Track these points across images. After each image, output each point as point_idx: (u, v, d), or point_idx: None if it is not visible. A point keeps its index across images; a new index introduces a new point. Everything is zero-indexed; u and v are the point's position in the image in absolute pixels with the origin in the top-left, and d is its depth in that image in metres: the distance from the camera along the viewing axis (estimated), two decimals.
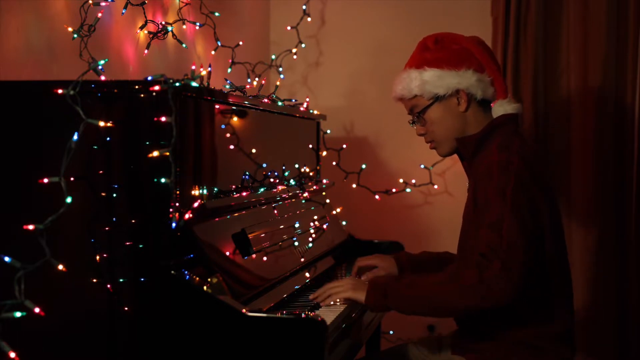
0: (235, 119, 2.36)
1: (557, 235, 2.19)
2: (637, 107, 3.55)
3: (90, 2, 2.32)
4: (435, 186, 3.95)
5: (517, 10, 3.67)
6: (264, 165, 2.56)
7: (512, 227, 2.02)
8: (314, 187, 2.98)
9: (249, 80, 3.36)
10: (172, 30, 2.74)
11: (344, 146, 3.85)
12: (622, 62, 3.61)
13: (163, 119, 1.86)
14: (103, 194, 1.92)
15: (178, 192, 1.93)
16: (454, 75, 2.25)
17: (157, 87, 1.88)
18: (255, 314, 1.86)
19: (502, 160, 2.11)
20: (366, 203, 3.96)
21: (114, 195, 1.91)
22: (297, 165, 2.90)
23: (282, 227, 2.50)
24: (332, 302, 2.20)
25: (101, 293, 1.91)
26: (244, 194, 2.33)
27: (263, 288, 2.19)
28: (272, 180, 2.62)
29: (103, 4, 2.40)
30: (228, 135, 2.31)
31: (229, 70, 3.30)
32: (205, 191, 2.12)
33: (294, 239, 2.54)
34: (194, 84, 2.00)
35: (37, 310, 1.71)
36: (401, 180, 3.97)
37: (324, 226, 2.88)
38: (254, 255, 2.21)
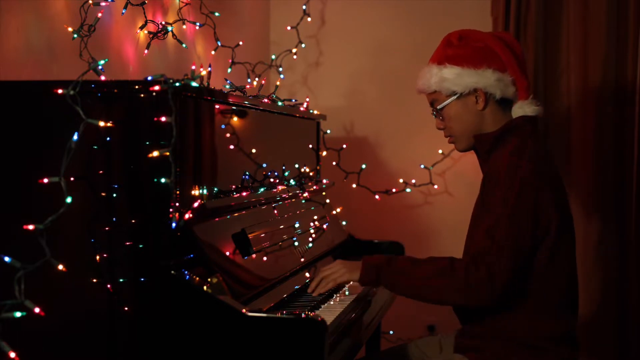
0: (235, 119, 2.36)
1: (566, 237, 2.18)
2: (637, 107, 3.55)
3: (90, 2, 2.32)
4: (435, 186, 3.95)
5: (517, 10, 3.67)
6: (264, 165, 2.56)
7: (506, 233, 2.05)
8: (314, 187, 2.98)
9: (249, 80, 3.36)
10: (172, 30, 2.74)
11: (344, 146, 3.85)
12: (622, 62, 3.61)
13: (163, 119, 1.86)
14: (103, 194, 1.92)
15: (178, 192, 1.93)
16: (472, 74, 2.24)
17: (157, 87, 1.88)
18: (255, 314, 1.86)
19: (511, 165, 2.11)
20: (366, 203, 3.97)
21: (114, 195, 1.91)
22: (297, 165, 2.90)
23: (282, 227, 2.50)
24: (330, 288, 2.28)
25: (101, 293, 1.91)
26: (244, 194, 2.33)
27: (263, 288, 2.19)
28: (272, 180, 2.61)
29: (103, 4, 2.39)
30: (228, 135, 2.31)
31: (229, 70, 3.30)
32: (205, 191, 2.12)
33: (294, 239, 2.54)
34: (194, 84, 2.00)
35: (37, 310, 1.71)
36: (401, 180, 3.97)
37: (324, 226, 2.88)
38: (254, 255, 2.21)
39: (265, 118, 2.62)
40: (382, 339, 3.40)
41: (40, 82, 2.10)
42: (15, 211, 1.94)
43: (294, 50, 3.90)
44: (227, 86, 2.55)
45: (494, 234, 2.05)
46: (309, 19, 3.92)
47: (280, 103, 2.72)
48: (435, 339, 2.47)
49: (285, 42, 3.96)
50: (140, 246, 1.91)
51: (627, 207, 3.59)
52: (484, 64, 2.25)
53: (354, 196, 3.94)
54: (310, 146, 3.16)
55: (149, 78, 1.89)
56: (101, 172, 1.91)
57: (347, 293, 2.28)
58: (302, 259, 2.53)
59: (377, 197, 3.95)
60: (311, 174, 3.09)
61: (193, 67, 2.48)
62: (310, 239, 2.67)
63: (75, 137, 1.79)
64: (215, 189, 2.20)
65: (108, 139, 1.91)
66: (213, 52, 3.20)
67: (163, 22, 2.73)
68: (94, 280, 1.91)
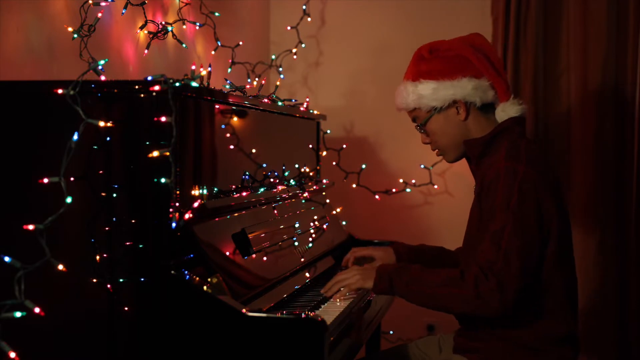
0: (235, 119, 2.36)
1: (564, 239, 2.18)
2: (637, 107, 3.55)
3: (90, 2, 2.32)
4: (435, 186, 3.95)
5: (517, 10, 3.67)
6: (264, 165, 2.56)
7: (512, 239, 2.03)
8: (314, 187, 2.98)
9: (249, 80, 3.36)
10: (172, 30, 2.74)
11: (344, 146, 3.85)
12: (622, 62, 3.61)
13: (163, 119, 1.86)
14: (103, 194, 1.92)
15: (178, 192, 1.93)
16: (449, 87, 2.22)
17: (157, 87, 1.88)
18: (255, 314, 1.86)
19: (508, 170, 2.09)
20: (366, 203, 3.97)
21: (114, 195, 1.91)
22: (297, 165, 2.90)
23: (282, 227, 2.50)
24: (346, 294, 2.27)
25: (101, 293, 1.91)
26: (244, 194, 2.33)
27: (263, 288, 2.19)
28: (272, 180, 2.61)
29: (103, 4, 2.39)
30: (228, 135, 2.31)
31: (229, 70, 3.30)
32: (205, 191, 2.12)
33: (294, 239, 2.54)
34: (194, 84, 2.00)
35: (37, 310, 1.71)
36: (401, 180, 3.97)
37: (324, 226, 2.88)
38: (254, 255, 2.21)
39: (265, 118, 2.62)
40: (382, 339, 3.40)
41: (40, 82, 2.10)
42: (15, 211, 1.94)
43: (294, 50, 3.90)
44: (227, 86, 2.55)
45: (500, 243, 2.03)
46: (309, 19, 3.92)
47: (280, 103, 2.72)
48: (434, 339, 2.47)
49: (285, 42, 3.96)
50: (140, 246, 1.91)
51: (627, 207, 3.59)
52: (458, 74, 2.22)
53: (354, 196, 3.94)
54: (310, 146, 3.16)
55: (149, 78, 1.89)
56: (101, 172, 1.91)
57: (347, 293, 2.28)
58: (302, 259, 2.53)
59: (377, 197, 3.95)
60: (311, 174, 3.09)
61: (193, 67, 2.49)
62: (310, 239, 2.67)
63: (75, 137, 1.79)
64: (215, 189, 2.20)
65: (108, 139, 1.91)
66: (213, 52, 3.20)
67: (163, 22, 2.73)
68: (94, 280, 1.91)
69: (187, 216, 1.94)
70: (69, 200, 1.77)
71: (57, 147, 1.82)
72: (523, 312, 2.12)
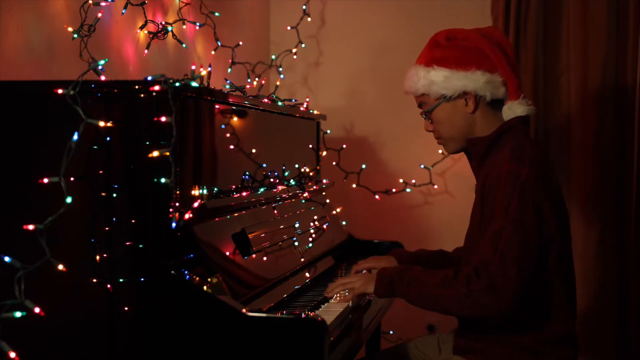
0: (235, 119, 2.36)
1: (564, 242, 2.16)
2: (637, 107, 3.55)
3: (90, 2, 2.32)
4: (435, 186, 3.95)
5: (517, 10, 3.67)
6: (264, 165, 2.56)
7: (509, 242, 2.01)
8: (314, 187, 2.98)
9: (249, 80, 3.36)
10: (172, 30, 2.74)
11: (344, 146, 3.85)
12: (622, 62, 3.61)
13: (163, 119, 1.86)
14: (103, 194, 1.92)
15: (178, 192, 1.93)
16: (461, 77, 2.19)
17: (157, 87, 1.88)
18: (255, 314, 1.86)
19: (511, 172, 2.06)
20: (366, 203, 3.97)
21: (114, 195, 1.91)
22: (297, 165, 2.90)
23: (282, 227, 2.50)
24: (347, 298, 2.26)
25: (101, 293, 1.91)
26: (244, 194, 2.33)
27: (263, 288, 2.19)
28: (272, 180, 2.61)
29: (103, 4, 2.40)
30: (228, 135, 2.31)
31: (229, 70, 3.30)
32: (205, 191, 2.12)
33: (294, 239, 2.54)
34: (194, 84, 2.00)
35: (37, 310, 1.71)
36: (401, 180, 3.97)
37: (324, 226, 2.88)
38: (254, 255, 2.21)
39: (265, 118, 2.62)
40: (382, 339, 3.40)
41: (40, 82, 2.10)
42: (15, 211, 1.94)
43: (294, 50, 3.90)
44: (227, 86, 2.55)
45: (497, 244, 2.01)
46: (309, 19, 3.92)
47: (280, 103, 2.72)
48: (433, 339, 2.47)
49: (285, 42, 3.96)
50: (140, 246, 1.91)
51: (627, 207, 3.59)
52: (473, 66, 2.19)
53: (354, 196, 3.94)
54: (310, 146, 3.16)
55: (149, 78, 1.89)
56: (101, 172, 1.91)
57: (346, 293, 2.28)
58: (302, 259, 2.53)
59: (377, 197, 3.95)
60: (311, 174, 3.09)
61: (193, 67, 2.49)
62: (310, 239, 2.67)
63: (75, 137, 1.79)
64: (215, 189, 2.20)
65: (108, 139, 1.91)
66: (213, 52, 3.20)
67: (163, 22, 2.73)
68: (94, 280, 1.91)
69: (187, 216, 1.94)
70: (69, 200, 1.77)
71: (57, 147, 1.82)
72: (523, 315, 2.11)
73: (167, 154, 1.84)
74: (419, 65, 2.26)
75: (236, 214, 2.27)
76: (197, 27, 3.02)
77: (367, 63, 4.03)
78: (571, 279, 2.21)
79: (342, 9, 4.05)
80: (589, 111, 3.63)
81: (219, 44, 3.12)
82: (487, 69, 2.20)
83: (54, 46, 2.30)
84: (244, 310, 1.86)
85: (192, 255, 1.96)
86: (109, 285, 1.91)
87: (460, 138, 2.26)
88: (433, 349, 2.42)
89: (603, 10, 3.60)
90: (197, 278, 1.90)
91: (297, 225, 2.60)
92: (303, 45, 3.93)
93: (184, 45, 2.84)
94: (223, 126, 2.28)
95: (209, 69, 2.64)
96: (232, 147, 2.34)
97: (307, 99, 3.32)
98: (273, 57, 3.84)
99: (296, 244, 2.54)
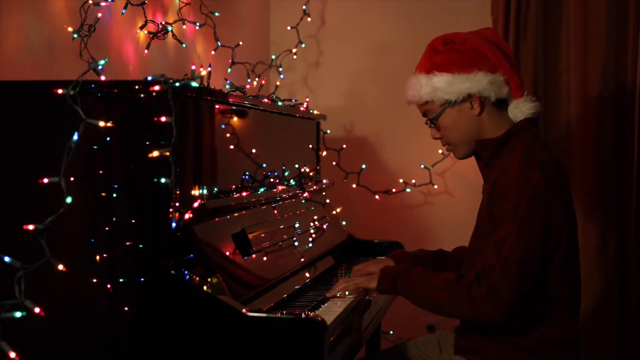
0: (235, 119, 2.36)
1: (572, 246, 2.15)
2: (637, 107, 3.55)
3: (90, 2, 2.32)
4: (435, 186, 3.95)
5: (517, 10, 3.67)
6: (264, 165, 2.56)
7: (513, 248, 2.00)
8: (314, 187, 2.98)
9: (249, 80, 3.36)
10: (172, 30, 2.74)
11: (344, 146, 3.85)
12: (622, 62, 3.61)
13: (163, 119, 1.86)
14: (103, 194, 1.92)
15: (178, 192, 1.93)
16: (464, 80, 2.17)
17: (157, 87, 1.88)
18: (255, 314, 1.86)
19: (522, 176, 2.05)
20: (366, 203, 3.97)
21: (114, 195, 1.91)
22: (297, 165, 2.90)
23: (282, 227, 2.50)
24: (347, 293, 2.28)
25: (101, 293, 1.91)
26: (244, 194, 2.33)
27: (263, 288, 2.19)
28: (272, 180, 2.61)
29: (103, 4, 2.39)
30: (228, 135, 2.31)
31: (229, 70, 3.30)
32: (205, 191, 2.12)
33: (294, 239, 2.54)
34: (194, 84, 2.00)
35: (37, 310, 1.71)
36: (401, 180, 3.97)
37: (324, 226, 2.88)
38: (254, 255, 2.21)
39: (265, 118, 2.62)
40: (382, 339, 3.40)
41: (40, 82, 2.10)
42: (15, 211, 1.94)
43: (294, 50, 3.90)
44: (227, 86, 2.55)
45: (502, 250, 2.01)
46: (309, 19, 3.92)
47: (280, 103, 2.72)
48: (433, 338, 2.47)
49: (285, 42, 3.96)
50: (140, 246, 1.91)
51: (627, 207, 3.59)
52: (474, 68, 2.18)
53: (354, 196, 3.94)
54: (310, 146, 3.16)
55: (149, 78, 1.89)
56: (101, 172, 1.91)
57: (347, 293, 2.28)
58: (302, 259, 2.53)
59: (377, 197, 3.95)
60: (311, 174, 3.09)
61: (193, 67, 2.49)
62: (310, 239, 2.67)
63: (75, 137, 1.79)
64: (215, 189, 2.20)
65: (108, 139, 1.91)
66: (213, 52, 3.20)
67: (163, 22, 2.73)
68: (94, 280, 1.91)
69: (187, 216, 1.94)
70: (69, 200, 1.77)
71: (57, 147, 1.82)
72: (526, 318, 2.11)
73: (167, 154, 1.84)
74: (419, 73, 2.24)
75: (236, 214, 2.27)
76: (197, 27, 3.02)
77: (367, 63, 4.03)
78: (576, 283, 2.20)
79: (342, 9, 4.05)
80: (589, 111, 3.63)
81: (219, 44, 3.12)
82: (488, 70, 2.19)
83: (54, 46, 2.30)
84: (244, 310, 1.86)
85: (192, 255, 1.96)
86: (109, 285, 1.90)
87: (469, 142, 2.24)
88: (433, 349, 2.42)
89: (603, 10, 3.60)
90: (197, 278, 1.90)
91: (297, 225, 2.60)
92: (303, 45, 3.93)
93: (184, 45, 2.84)
94: (223, 126, 2.28)
95: (209, 69, 2.64)
96: (232, 147, 2.34)
97: (307, 99, 3.32)
98: (273, 57, 3.84)
99: (296, 244, 2.54)
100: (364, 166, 3.87)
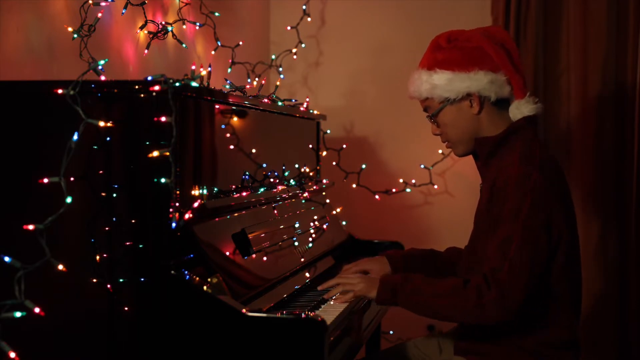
0: (235, 119, 2.36)
1: (573, 247, 2.15)
2: (637, 107, 3.55)
3: (90, 2, 2.32)
4: (435, 186, 3.95)
5: (517, 10, 3.67)
6: (264, 165, 2.56)
7: (519, 249, 1.99)
8: (314, 187, 2.98)
9: (249, 80, 3.36)
10: (172, 30, 2.74)
11: (344, 146, 3.85)
12: (622, 62, 3.61)
13: (163, 119, 1.86)
14: (103, 194, 1.92)
15: (178, 192, 1.93)
16: (464, 79, 2.17)
17: (157, 87, 1.88)
18: (255, 314, 1.86)
19: (521, 175, 2.05)
20: (366, 203, 3.97)
21: (114, 195, 1.91)
22: (297, 165, 2.90)
23: (282, 227, 2.50)
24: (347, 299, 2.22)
25: (101, 293, 1.91)
26: (244, 194, 2.33)
27: (263, 288, 2.19)
28: (272, 180, 2.61)
29: (103, 4, 2.40)
30: (228, 135, 2.31)
31: (229, 70, 3.30)
32: (205, 191, 2.12)
33: (294, 239, 2.54)
34: (194, 84, 2.00)
35: (37, 310, 1.71)
36: (401, 180, 3.97)
37: (324, 226, 2.88)
38: (254, 255, 2.21)
39: (265, 118, 2.62)
40: (382, 339, 3.40)
41: (40, 82, 2.10)
42: (15, 211, 1.94)
43: (294, 50, 3.90)
44: (227, 86, 2.55)
45: (507, 251, 2.00)
46: (309, 19, 3.92)
47: (280, 103, 2.72)
48: (433, 338, 2.47)
49: (285, 42, 3.96)
50: (140, 246, 1.91)
51: (627, 207, 3.59)
52: (475, 66, 2.17)
53: (354, 196, 3.94)
54: (310, 146, 3.16)
55: (149, 78, 1.89)
56: (101, 172, 1.91)
57: (348, 299, 2.28)
58: (302, 259, 2.53)
59: (377, 197, 3.95)
60: (311, 174, 3.09)
61: (193, 67, 2.49)
62: (310, 239, 2.67)
63: (75, 137, 1.79)
64: (215, 189, 2.20)
65: (108, 139, 1.91)
66: (213, 52, 3.20)
67: (163, 22, 2.73)
68: (94, 280, 1.91)
69: (187, 216, 1.94)
70: (69, 200, 1.77)
71: (57, 147, 1.82)
72: (527, 319, 2.11)
73: (167, 154, 1.84)
74: (421, 69, 2.24)
75: (236, 214, 2.27)
76: (197, 27, 3.02)
77: (367, 63, 4.03)
78: (577, 284, 2.20)
79: (342, 9, 4.05)
80: (589, 111, 3.63)
81: (219, 44, 3.12)
82: (490, 69, 2.18)
83: (54, 46, 2.30)
84: (244, 310, 1.86)
85: (192, 255, 1.96)
86: (109, 285, 1.91)
87: (467, 140, 2.24)
88: (433, 349, 2.42)
89: (603, 10, 3.60)
90: (197, 278, 1.90)
91: (297, 225, 2.60)
92: (303, 45, 3.93)
93: (184, 45, 2.84)
94: (223, 126, 2.28)
95: (209, 69, 2.64)
96: (232, 147, 2.34)
97: (307, 99, 3.32)
98: (273, 57, 3.84)
99: (296, 244, 2.54)
100: (364, 166, 3.87)
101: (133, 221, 1.91)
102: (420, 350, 2.43)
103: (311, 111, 3.10)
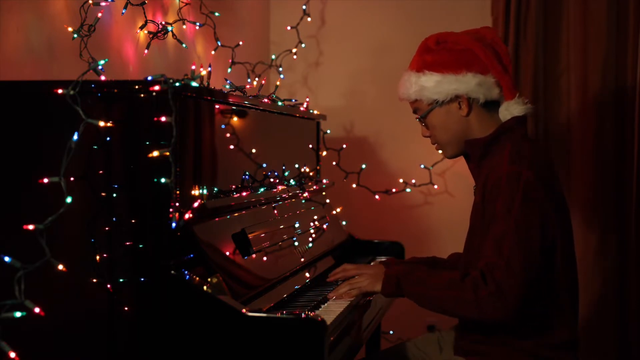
0: (235, 119, 2.36)
1: (567, 246, 2.15)
2: (637, 107, 3.55)
3: (90, 2, 2.32)
4: (435, 186, 3.95)
5: (517, 10, 3.67)
6: (264, 165, 2.56)
7: (514, 245, 1.99)
8: (314, 187, 2.98)
9: (249, 80, 3.36)
10: (172, 30, 2.74)
11: (344, 146, 3.85)
12: (622, 62, 3.61)
13: (163, 119, 1.86)
14: (103, 194, 1.92)
15: (178, 192, 1.93)
16: (452, 81, 2.18)
17: (157, 87, 1.88)
18: (255, 314, 1.86)
19: (512, 173, 2.05)
20: (366, 203, 3.97)
21: (114, 195, 1.91)
22: (297, 165, 2.90)
23: (282, 227, 2.50)
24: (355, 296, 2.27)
25: (101, 293, 1.91)
26: (244, 194, 2.33)
27: (263, 288, 2.19)
28: (272, 180, 2.61)
29: (103, 4, 2.40)
30: (228, 135, 2.31)
31: (229, 70, 3.30)
32: (205, 191, 2.12)
33: (294, 239, 2.54)
34: (194, 84, 2.00)
35: (37, 310, 1.71)
36: (401, 180, 3.97)
37: (324, 226, 2.88)
38: (254, 255, 2.21)
39: (265, 118, 2.62)
40: (382, 339, 3.40)
41: (40, 82, 2.10)
42: (15, 211, 1.94)
43: (294, 50, 3.90)
44: (227, 86, 2.55)
45: (502, 248, 2.00)
46: (309, 19, 3.92)
47: (280, 103, 2.72)
48: (433, 338, 2.47)
49: (285, 42, 3.96)
50: (140, 246, 1.91)
51: (627, 207, 3.59)
52: (463, 69, 2.18)
53: (354, 196, 3.94)
54: (310, 146, 3.16)
55: (149, 78, 1.89)
56: (101, 172, 1.91)
57: (355, 295, 2.29)
58: (302, 259, 2.53)
59: (377, 197, 3.95)
60: (311, 174, 3.09)
61: (193, 67, 2.48)
62: (310, 239, 2.67)
63: (75, 137, 1.79)
64: (215, 189, 2.20)
65: (108, 139, 1.91)
66: (213, 52, 3.20)
67: (163, 22, 2.73)
68: (94, 280, 1.91)
69: (187, 216, 1.94)
70: (69, 200, 1.77)
71: (57, 147, 1.82)
72: (526, 319, 2.10)
73: (167, 154, 1.84)
74: (411, 71, 2.26)
75: (236, 214, 2.27)
76: (197, 27, 3.02)
77: (367, 63, 4.03)
78: (574, 284, 2.20)
79: (342, 9, 4.05)
80: (589, 111, 3.63)
81: (219, 44, 3.12)
82: (478, 71, 2.19)
83: (54, 46, 2.30)
84: (244, 310, 1.86)
85: (192, 255, 1.96)
86: (109, 285, 1.91)
87: (456, 142, 2.25)
88: (433, 348, 2.42)
89: (603, 10, 3.60)
90: (197, 278, 1.90)
91: (297, 225, 2.60)
92: (303, 45, 3.93)
93: (184, 45, 2.84)
94: (223, 126, 2.28)
95: (209, 69, 2.64)
96: (232, 147, 2.34)
97: (307, 99, 3.32)
98: (273, 57, 3.84)
99: (296, 244, 2.54)
100: (364, 166, 3.87)
101: (133, 221, 1.91)
102: (420, 350, 2.44)
103: (311, 111, 3.10)
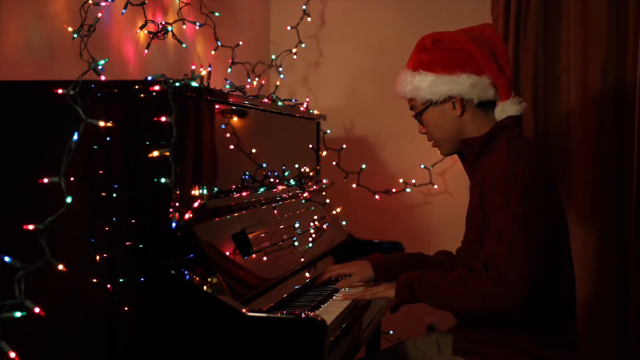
0: (235, 119, 2.36)
1: (563, 242, 2.15)
2: (637, 107, 3.55)
3: (90, 2, 2.32)
4: (435, 186, 3.95)
5: (517, 10, 3.67)
6: (264, 165, 2.56)
7: (514, 235, 1.99)
8: (314, 187, 2.98)
9: (249, 80, 3.36)
10: (172, 30, 2.74)
11: (344, 146, 3.85)
12: (622, 62, 3.61)
13: (163, 119, 1.86)
14: (103, 194, 1.92)
15: (178, 192, 1.93)
16: (446, 82, 2.18)
17: (157, 87, 1.88)
18: (255, 314, 1.86)
19: (509, 169, 2.06)
20: (366, 203, 3.97)
21: (114, 195, 1.91)
22: (297, 165, 2.90)
23: (282, 227, 2.50)
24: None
25: (101, 293, 1.91)
26: (244, 194, 2.33)
27: (263, 288, 2.19)
28: (272, 180, 2.61)
29: (103, 4, 2.40)
30: (228, 135, 2.31)
31: (229, 70, 3.30)
32: (205, 191, 2.12)
33: (294, 239, 2.54)
34: (194, 84, 2.00)
35: (37, 310, 1.71)
36: (401, 180, 3.97)
37: (324, 226, 2.88)
38: (254, 255, 2.21)
39: (265, 118, 2.62)
40: (382, 339, 3.40)
41: (40, 82, 2.10)
42: (15, 211, 1.94)
43: (294, 50, 3.90)
44: (227, 86, 2.55)
45: (502, 236, 2.00)
46: (309, 19, 3.92)
47: (280, 103, 2.72)
48: (432, 338, 2.47)
49: (285, 42, 3.96)
50: (140, 246, 1.91)
51: (627, 207, 3.59)
52: (458, 69, 2.18)
53: (354, 196, 3.94)
54: (310, 146, 3.16)
55: (149, 78, 1.89)
56: (101, 172, 1.91)
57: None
58: (302, 259, 2.53)
59: (377, 197, 3.95)
60: (311, 174, 3.09)
61: (193, 67, 2.48)
62: (310, 239, 2.67)
63: (75, 137, 1.80)
64: (215, 189, 2.20)
65: (108, 139, 1.91)
66: (213, 52, 3.20)
67: (163, 22, 2.73)
68: (94, 280, 1.91)
69: (187, 216, 1.94)
70: (69, 200, 1.77)
71: (57, 147, 1.82)
72: (524, 318, 2.11)
73: (167, 154, 1.84)
74: (407, 69, 2.28)
75: (236, 214, 2.27)
76: (197, 27, 3.02)
77: (367, 63, 4.03)
78: (571, 285, 2.20)
79: (342, 9, 4.05)
80: (589, 111, 3.63)
81: (219, 44, 3.12)
82: (473, 72, 2.19)
83: (54, 46, 2.30)
84: (244, 310, 1.86)
85: (192, 255, 1.96)
86: (109, 285, 1.91)
87: (451, 141, 2.27)
88: (432, 348, 2.42)
89: (603, 10, 3.60)
90: (197, 278, 1.90)
91: (297, 225, 2.60)
92: (303, 45, 3.93)
93: (184, 45, 2.84)
94: (223, 126, 2.28)
95: (209, 69, 2.64)
96: (232, 147, 2.34)
97: (307, 99, 3.32)
98: (273, 57, 3.84)
99: (296, 244, 2.54)
100: (364, 166, 3.87)
101: (133, 221, 1.91)
102: (419, 350, 2.44)
103: (311, 111, 3.10)
